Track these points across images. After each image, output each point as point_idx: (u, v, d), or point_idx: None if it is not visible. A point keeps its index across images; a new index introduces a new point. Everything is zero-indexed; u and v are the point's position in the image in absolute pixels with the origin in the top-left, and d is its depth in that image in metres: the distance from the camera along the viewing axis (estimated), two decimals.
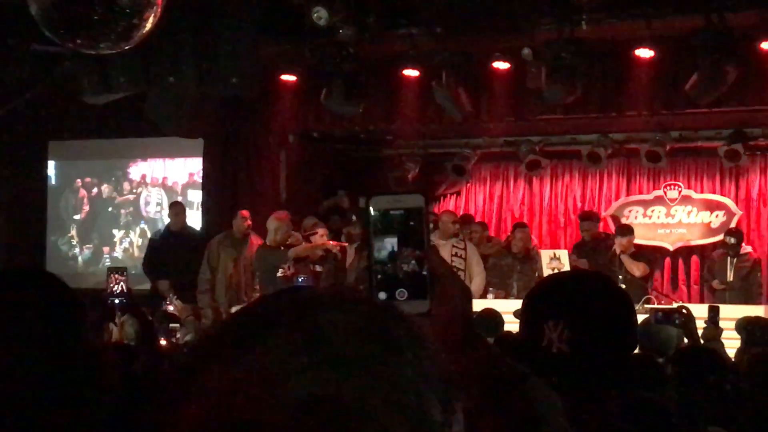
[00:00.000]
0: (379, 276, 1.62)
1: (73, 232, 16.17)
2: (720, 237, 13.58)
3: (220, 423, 0.95)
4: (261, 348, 0.98)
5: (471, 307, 1.70)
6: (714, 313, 8.16)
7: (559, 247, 14.18)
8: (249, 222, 12.82)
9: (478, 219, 15.06)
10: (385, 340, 1.01)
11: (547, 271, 12.51)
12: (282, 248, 12.11)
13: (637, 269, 12.35)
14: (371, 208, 1.63)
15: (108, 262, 15.18)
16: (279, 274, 11.90)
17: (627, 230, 12.98)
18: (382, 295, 1.62)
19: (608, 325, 2.37)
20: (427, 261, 1.62)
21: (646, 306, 10.62)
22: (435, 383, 1.01)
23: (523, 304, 2.49)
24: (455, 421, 1.02)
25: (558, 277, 3.13)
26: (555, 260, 12.50)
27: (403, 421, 0.96)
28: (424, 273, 1.62)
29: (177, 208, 13.92)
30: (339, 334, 0.99)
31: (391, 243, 1.62)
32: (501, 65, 12.48)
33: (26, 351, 1.90)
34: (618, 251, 12.56)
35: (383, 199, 1.64)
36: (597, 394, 2.23)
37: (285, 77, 13.33)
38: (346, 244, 13.05)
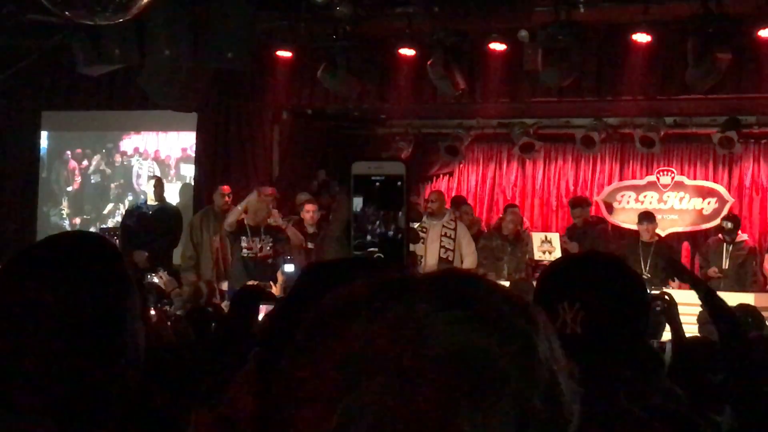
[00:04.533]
0: (356, 239, 1.63)
1: (65, 203, 16.13)
2: (712, 224, 13.60)
3: (364, 367, 0.97)
4: (400, 306, 1.01)
5: None
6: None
7: (550, 230, 14.17)
8: (228, 198, 12.80)
9: (470, 200, 15.06)
10: (525, 315, 1.05)
11: (537, 254, 12.53)
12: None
13: None
14: (352, 172, 1.61)
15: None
16: (244, 253, 11.85)
17: (648, 217, 12.85)
18: (357, 254, 1.64)
19: (623, 308, 2.36)
20: (403, 227, 1.61)
21: None
22: (563, 368, 1.05)
23: (537, 284, 2.45)
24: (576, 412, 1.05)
25: (574, 258, 3.12)
26: (546, 243, 12.52)
27: (537, 387, 1.00)
28: (400, 238, 1.63)
29: (156, 182, 13.89)
30: (482, 298, 1.03)
31: (369, 207, 1.62)
32: (497, 46, 12.45)
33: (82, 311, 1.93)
34: (645, 238, 12.49)
35: (365, 164, 1.66)
36: (609, 376, 2.22)
37: (280, 53, 13.29)
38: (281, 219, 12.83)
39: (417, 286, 1.04)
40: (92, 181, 16.02)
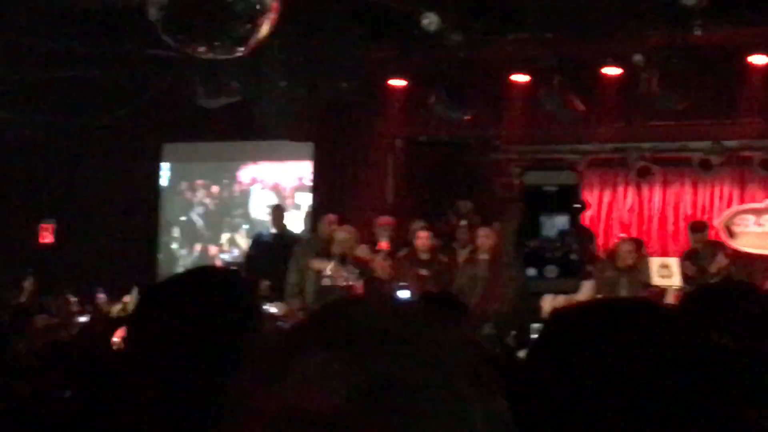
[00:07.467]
0: (528, 252, 1.60)
1: (184, 232, 16.43)
2: None
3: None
4: (307, 356, 1.03)
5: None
6: None
7: (668, 255, 13.95)
8: (334, 227, 12.86)
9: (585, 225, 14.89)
10: (418, 330, 1.06)
11: (656, 280, 12.31)
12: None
13: None
14: (524, 183, 1.61)
15: (217, 264, 15.38)
16: (325, 282, 11.85)
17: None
18: (531, 271, 1.59)
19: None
20: (577, 239, 1.59)
21: None
22: (470, 369, 1.05)
23: (681, 313, 2.44)
24: (491, 408, 1.05)
25: (715, 287, 3.09)
26: (664, 268, 12.31)
27: (440, 401, 1.01)
28: (575, 250, 1.59)
29: (275, 211, 14.06)
30: (375, 329, 1.05)
31: (541, 219, 1.59)
32: (612, 71, 12.36)
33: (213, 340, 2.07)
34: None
35: (537, 174, 1.62)
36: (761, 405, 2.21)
37: (393, 82, 13.38)
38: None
39: (317, 331, 1.06)
40: (211, 211, 16.30)
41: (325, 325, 1.07)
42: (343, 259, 11.92)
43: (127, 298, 12.09)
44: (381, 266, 12.28)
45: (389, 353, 1.02)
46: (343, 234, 12.10)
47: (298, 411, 0.99)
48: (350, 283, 11.80)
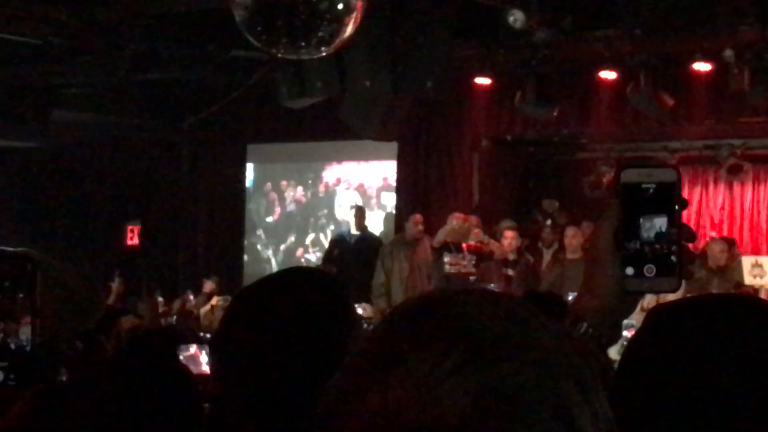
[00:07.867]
0: (627, 251, 1.58)
1: (269, 233, 16.50)
2: None
3: None
4: (409, 363, 0.97)
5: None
6: None
7: (760, 254, 13.69)
8: (421, 227, 12.87)
9: None
10: (524, 331, 1.01)
11: (748, 279, 12.09)
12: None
13: None
14: (622, 181, 1.59)
15: (302, 264, 15.43)
16: (447, 269, 11.90)
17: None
18: (630, 271, 1.58)
19: None
20: (677, 238, 1.58)
21: None
22: (575, 370, 1.01)
23: None
24: (597, 410, 1.01)
25: None
26: (757, 267, 12.09)
27: (550, 406, 0.97)
28: (674, 250, 1.57)
29: (357, 212, 14.06)
30: (479, 330, 1.00)
31: (640, 217, 1.58)
32: (702, 66, 12.16)
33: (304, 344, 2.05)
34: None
35: (635, 171, 1.60)
36: None
37: (479, 80, 13.30)
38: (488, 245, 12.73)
39: (420, 330, 1.00)
40: (296, 211, 16.35)
41: (429, 327, 1.00)
42: (458, 247, 12.01)
43: (215, 300, 12.19)
44: (497, 246, 12.28)
45: (503, 358, 0.98)
46: (457, 222, 12.18)
47: (407, 422, 0.94)
48: (468, 270, 11.86)
